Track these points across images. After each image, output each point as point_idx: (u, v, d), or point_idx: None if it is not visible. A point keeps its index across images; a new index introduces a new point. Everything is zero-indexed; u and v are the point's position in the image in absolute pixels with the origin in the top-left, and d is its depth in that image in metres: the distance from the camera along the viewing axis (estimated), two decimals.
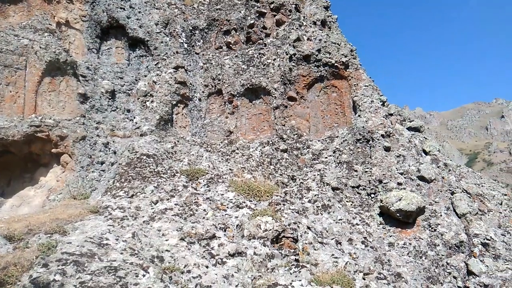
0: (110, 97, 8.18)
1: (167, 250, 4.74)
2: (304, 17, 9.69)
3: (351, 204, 6.70)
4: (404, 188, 6.61)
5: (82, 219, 5.24)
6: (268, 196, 6.55)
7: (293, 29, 9.24)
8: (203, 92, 8.99)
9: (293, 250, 5.24)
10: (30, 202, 7.00)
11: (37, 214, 5.70)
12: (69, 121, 7.55)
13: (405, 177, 6.85)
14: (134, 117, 8.05)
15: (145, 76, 8.66)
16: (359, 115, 7.87)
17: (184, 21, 9.46)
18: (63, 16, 8.43)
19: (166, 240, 4.94)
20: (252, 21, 9.46)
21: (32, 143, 7.24)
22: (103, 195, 6.31)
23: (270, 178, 7.55)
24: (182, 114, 8.49)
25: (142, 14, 9.07)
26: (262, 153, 8.08)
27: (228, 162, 7.85)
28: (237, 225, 5.59)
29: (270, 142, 8.23)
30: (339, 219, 6.33)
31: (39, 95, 7.54)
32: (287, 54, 8.76)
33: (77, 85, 7.91)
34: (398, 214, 6.26)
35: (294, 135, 8.22)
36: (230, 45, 9.46)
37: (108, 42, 8.86)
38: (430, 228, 6.26)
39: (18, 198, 7.06)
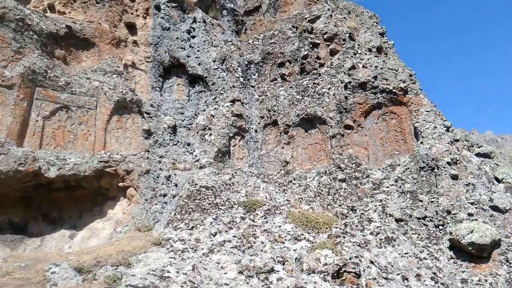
0: (171, 132, 8.59)
1: (226, 284, 4.75)
2: (358, 45, 9.64)
3: (418, 237, 6.32)
4: (476, 219, 6.14)
5: (145, 251, 5.43)
6: (327, 228, 6.38)
7: (347, 57, 9.21)
8: (259, 123, 9.14)
9: (355, 286, 5.02)
10: (99, 234, 7.41)
11: (105, 246, 6.02)
12: (135, 156, 7.99)
13: (476, 207, 6.38)
14: (194, 150, 8.35)
15: (204, 110, 9.00)
16: (421, 142, 7.53)
17: (240, 56, 9.80)
18: (130, 58, 9.10)
19: (225, 273, 4.96)
20: (306, 52, 9.58)
21: (101, 178, 7.72)
22: (165, 227, 6.52)
23: (328, 209, 7.38)
24: (239, 146, 8.66)
25: (201, 53, 9.55)
26: (319, 183, 7.95)
27: (285, 193, 7.81)
28: (295, 259, 5.49)
29: (328, 172, 8.10)
30: (405, 253, 5.99)
31: (108, 133, 8.09)
32: (342, 83, 8.70)
33: (142, 122, 8.41)
34: (470, 248, 5.80)
35: (352, 164, 8.03)
36: (285, 77, 9.61)
37: (170, 80, 9.38)
38: (508, 264, 5.71)
39: (88, 231, 7.50)
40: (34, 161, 6.97)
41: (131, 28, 9.45)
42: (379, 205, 7.06)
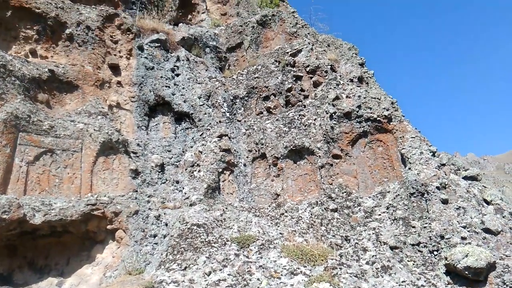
0: (159, 171, 8.49)
1: None
2: (340, 76, 9.87)
3: (413, 264, 6.26)
4: (470, 243, 6.14)
5: None
6: (322, 260, 6.28)
7: (330, 88, 9.39)
8: (247, 157, 9.13)
9: None
10: (88, 280, 7.12)
11: None
12: (123, 197, 7.83)
13: (468, 231, 6.39)
14: (183, 188, 8.24)
15: (191, 147, 8.97)
16: (409, 168, 7.61)
17: (225, 91, 9.91)
18: (114, 99, 9.09)
19: None
20: (289, 85, 9.74)
21: (89, 221, 7.51)
22: (157, 269, 6.32)
23: (322, 240, 7.29)
24: (229, 181, 8.60)
25: (186, 90, 9.61)
26: (311, 214, 7.89)
27: (278, 226, 7.71)
28: None
29: (319, 202, 8.06)
30: (402, 281, 5.91)
31: (94, 175, 7.94)
32: (327, 113, 8.83)
33: (129, 162, 8.30)
34: (466, 272, 5.76)
35: (343, 193, 8.02)
36: (270, 110, 9.71)
37: (155, 119, 9.37)
38: (505, 286, 5.69)
39: (77, 277, 7.21)
40: (18, 208, 6.76)
41: (115, 69, 9.50)
42: (373, 233, 7.02)
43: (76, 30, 9.22)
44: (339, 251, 6.84)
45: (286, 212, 8.08)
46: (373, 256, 6.52)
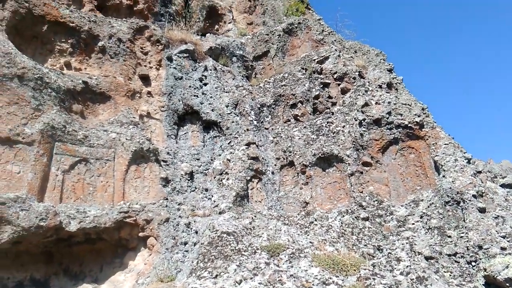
0: (189, 179, 8.58)
1: None
2: (369, 82, 9.75)
3: (450, 275, 6.06)
4: (510, 253, 5.90)
5: None
6: (355, 270, 6.17)
7: (359, 95, 9.29)
8: (275, 165, 9.12)
9: None
10: (121, 287, 7.25)
11: None
12: (154, 204, 7.95)
13: (508, 241, 6.14)
14: (212, 196, 8.29)
15: (220, 155, 9.03)
16: (443, 176, 7.40)
17: (252, 100, 9.95)
18: (145, 109, 9.29)
19: None
20: (317, 92, 9.70)
21: (122, 229, 7.67)
22: (188, 276, 6.35)
23: (354, 250, 7.17)
24: (257, 189, 8.60)
25: (214, 99, 9.72)
26: (342, 223, 7.78)
27: (308, 235, 7.64)
28: None
29: (349, 211, 7.94)
30: None
31: (126, 183, 8.11)
32: (356, 120, 8.73)
33: (159, 170, 8.44)
34: (508, 284, 5.54)
35: (374, 201, 7.88)
36: (298, 117, 9.68)
37: (184, 128, 9.50)
38: None
39: (110, 284, 7.35)
40: (55, 215, 6.98)
41: (145, 79, 9.72)
42: (406, 243, 6.85)
43: (108, 43, 9.50)
44: (372, 261, 6.71)
45: (315, 220, 8.00)
46: (407, 266, 6.36)
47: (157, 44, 10.20)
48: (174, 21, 11.77)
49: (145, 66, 9.95)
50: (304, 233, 7.71)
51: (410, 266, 6.30)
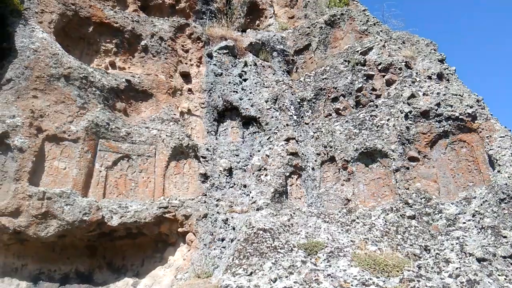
0: (228, 175, 8.54)
1: None
2: (417, 73, 9.18)
3: (505, 279, 5.50)
4: None
5: None
6: (398, 271, 5.78)
7: (405, 86, 8.77)
8: (315, 161, 8.83)
9: None
10: (160, 281, 7.34)
11: None
12: (192, 200, 7.99)
13: None
14: (250, 192, 8.19)
15: (259, 151, 8.91)
16: (498, 171, 6.76)
17: (292, 94, 9.73)
18: (185, 105, 9.38)
19: None
20: (360, 85, 9.28)
21: (161, 224, 7.77)
22: (224, 273, 6.29)
23: (398, 250, 6.75)
24: (296, 185, 8.38)
25: (253, 94, 9.61)
26: (386, 221, 7.37)
27: (349, 233, 7.31)
28: None
29: (394, 209, 7.50)
30: None
31: (166, 179, 8.22)
32: (402, 113, 8.23)
33: (198, 166, 8.47)
34: None
35: (421, 199, 7.39)
36: (339, 111, 9.32)
37: (224, 124, 9.48)
38: None
39: (151, 278, 7.48)
40: (97, 210, 7.20)
41: (186, 77, 9.82)
42: (456, 243, 6.33)
43: (151, 42, 9.70)
44: (418, 262, 6.27)
45: (357, 218, 7.64)
46: (457, 268, 5.86)
47: (198, 41, 10.27)
48: (215, 18, 11.81)
49: (186, 63, 10.05)
50: (345, 231, 7.39)
51: (460, 268, 5.81)
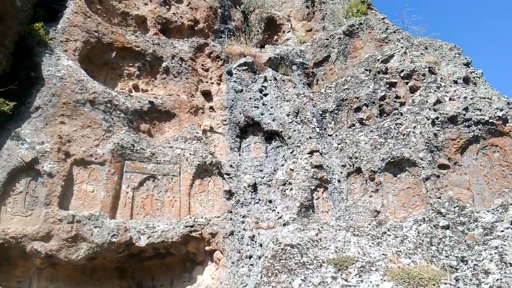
0: (252, 191, 8.48)
1: None
2: (441, 78, 8.95)
3: None
4: None
5: None
6: (434, 285, 5.52)
7: (430, 92, 8.55)
8: (341, 172, 8.67)
9: None
10: None
11: None
12: (218, 218, 7.95)
13: None
14: (276, 207, 8.09)
15: (283, 165, 8.83)
16: None
17: (313, 106, 9.65)
18: (208, 123, 9.44)
19: None
20: (382, 93, 9.11)
21: (188, 243, 7.75)
22: None
23: (434, 262, 6.47)
24: (323, 198, 8.21)
25: (274, 109, 9.59)
26: (418, 232, 7.10)
27: (380, 246, 7.07)
28: None
29: (427, 219, 7.23)
30: None
31: (191, 197, 8.23)
32: (428, 119, 8.00)
33: (222, 183, 8.46)
34: None
35: (454, 207, 7.09)
36: (363, 121, 9.15)
37: (247, 140, 9.48)
38: None
39: None
40: (125, 231, 7.26)
41: (207, 95, 9.91)
42: (495, 253, 6.01)
43: (171, 63, 9.88)
44: (455, 274, 5.99)
45: (388, 230, 7.40)
46: (497, 280, 5.56)
47: (217, 59, 10.39)
48: (233, 36, 11.95)
49: (207, 82, 10.16)
50: (376, 244, 7.16)
51: (501, 279, 5.50)
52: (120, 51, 9.49)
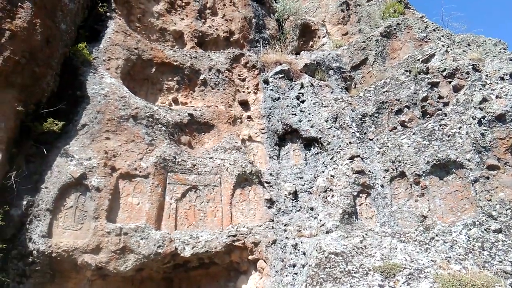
0: (293, 198, 8.45)
1: None
2: (486, 75, 8.56)
3: None
4: None
5: None
6: None
7: (475, 90, 8.19)
8: (384, 177, 8.45)
9: None
10: None
11: None
12: (260, 227, 7.98)
13: None
14: (318, 215, 8.00)
15: (323, 172, 8.74)
16: None
17: (352, 111, 9.50)
18: (246, 133, 9.53)
19: None
20: (424, 94, 8.83)
21: (232, 252, 7.82)
22: None
23: (486, 268, 6.15)
24: (366, 204, 8.04)
25: (312, 115, 9.53)
26: (469, 237, 6.79)
27: (428, 252, 6.81)
28: None
29: (477, 223, 6.90)
30: None
31: (233, 207, 8.31)
32: (474, 119, 7.67)
33: (263, 192, 8.49)
34: None
35: (507, 210, 6.73)
36: (405, 124, 8.89)
37: (285, 147, 9.48)
38: None
39: None
40: (170, 242, 7.43)
41: (244, 104, 10.03)
42: None
43: (209, 75, 10.09)
44: (509, 280, 5.67)
45: (436, 236, 7.12)
46: None
47: (253, 69, 10.50)
48: (268, 45, 12.05)
49: (244, 92, 10.28)
50: (424, 250, 6.91)
51: None
52: (160, 66, 9.81)
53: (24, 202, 6.73)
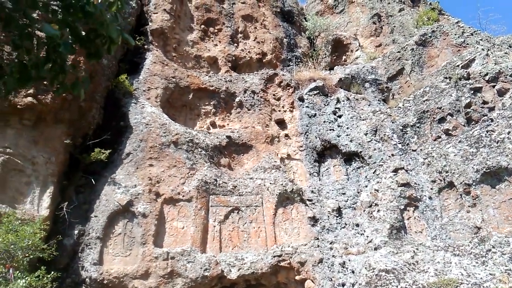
0: (337, 215, 8.28)
1: None
2: None
3: None
4: None
5: None
6: None
7: None
8: (431, 189, 8.13)
9: None
10: None
11: None
12: (305, 245, 7.84)
13: None
14: (364, 231, 7.77)
15: (366, 186, 8.53)
16: None
17: (392, 122, 9.29)
18: (284, 151, 9.53)
19: None
20: (467, 100, 8.51)
21: (278, 273, 7.72)
22: None
23: None
24: (414, 218, 7.74)
25: (350, 129, 9.41)
26: None
27: (486, 266, 6.43)
28: None
29: None
30: None
31: (276, 226, 8.25)
32: None
33: (305, 210, 8.38)
34: None
35: None
36: (449, 132, 8.57)
37: (325, 163, 9.36)
38: None
39: None
40: (216, 264, 7.44)
41: (281, 123, 10.06)
42: None
43: (244, 97, 10.24)
44: None
45: (493, 247, 6.72)
46: None
47: (288, 87, 10.57)
48: (301, 63, 12.11)
49: (279, 110, 10.33)
50: (480, 263, 6.53)
51: None
52: (196, 92, 10.07)
53: (76, 232, 7.00)
